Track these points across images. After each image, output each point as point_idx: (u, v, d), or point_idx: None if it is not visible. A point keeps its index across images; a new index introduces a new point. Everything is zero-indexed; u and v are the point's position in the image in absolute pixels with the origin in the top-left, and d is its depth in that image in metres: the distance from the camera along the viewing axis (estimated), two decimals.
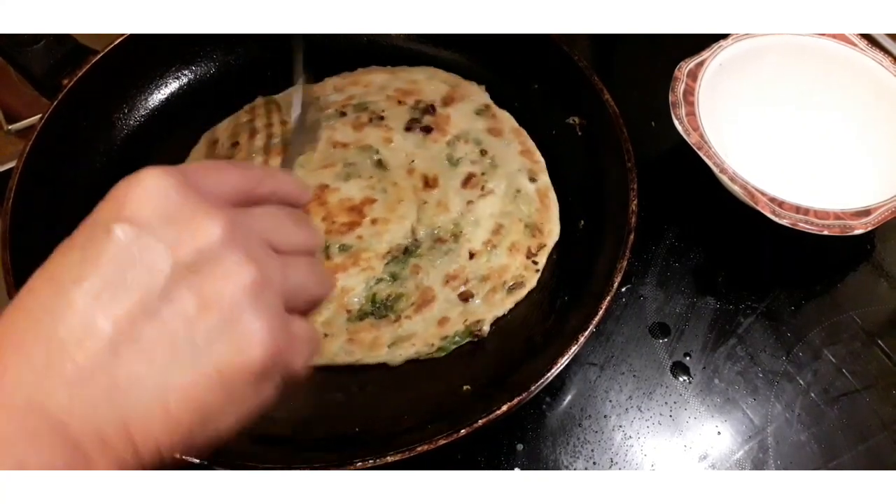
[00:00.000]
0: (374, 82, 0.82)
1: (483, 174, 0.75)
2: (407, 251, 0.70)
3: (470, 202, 0.73)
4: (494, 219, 0.72)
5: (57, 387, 0.30)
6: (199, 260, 0.32)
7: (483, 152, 0.77)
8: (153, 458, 0.32)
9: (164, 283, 0.32)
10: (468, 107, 0.80)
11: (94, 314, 0.31)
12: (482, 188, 0.74)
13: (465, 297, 0.68)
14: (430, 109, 0.79)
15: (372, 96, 0.81)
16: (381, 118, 0.79)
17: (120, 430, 0.31)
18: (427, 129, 0.78)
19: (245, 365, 0.33)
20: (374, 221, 0.71)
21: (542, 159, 0.77)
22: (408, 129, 0.78)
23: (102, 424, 0.31)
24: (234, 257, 0.33)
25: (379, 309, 0.67)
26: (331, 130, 0.78)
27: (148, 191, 0.33)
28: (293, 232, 0.38)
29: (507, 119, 0.80)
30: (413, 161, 0.76)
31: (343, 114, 0.79)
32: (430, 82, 0.82)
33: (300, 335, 0.36)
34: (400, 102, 0.80)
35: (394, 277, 0.69)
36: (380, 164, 0.76)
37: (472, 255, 0.70)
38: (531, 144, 0.78)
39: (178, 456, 0.33)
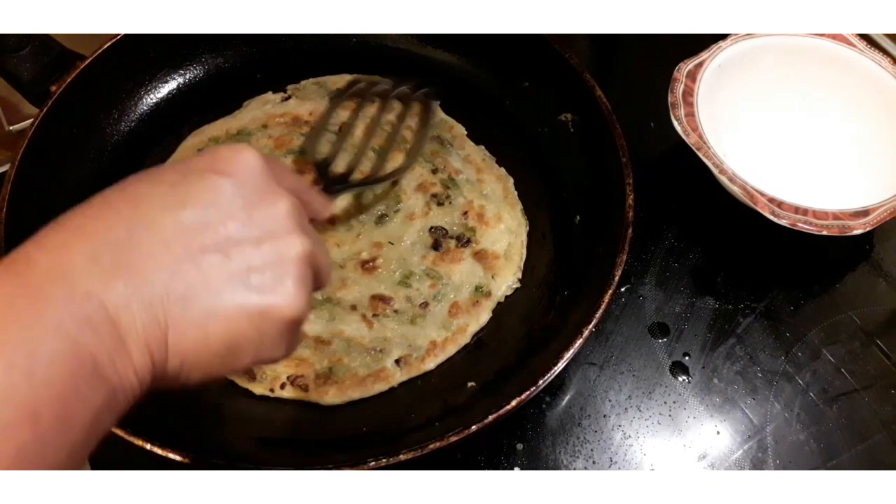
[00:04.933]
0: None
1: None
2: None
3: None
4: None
5: (118, 285, 0.34)
6: (269, 224, 0.39)
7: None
8: (173, 375, 0.37)
9: (238, 230, 0.38)
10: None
11: (173, 236, 0.36)
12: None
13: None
14: None
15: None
16: None
17: (159, 336, 0.35)
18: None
19: (279, 315, 0.39)
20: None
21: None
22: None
23: (148, 325, 0.35)
24: (296, 231, 0.40)
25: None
26: None
27: (244, 159, 0.40)
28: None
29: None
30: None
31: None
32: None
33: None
34: None
35: None
36: None
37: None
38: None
39: (191, 380, 0.38)
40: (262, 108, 0.81)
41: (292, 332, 0.41)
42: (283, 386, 0.64)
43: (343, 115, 0.78)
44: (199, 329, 0.36)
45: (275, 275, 0.39)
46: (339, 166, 0.72)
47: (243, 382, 0.64)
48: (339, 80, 0.83)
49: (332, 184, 0.69)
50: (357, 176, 0.71)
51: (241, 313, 0.37)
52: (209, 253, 0.37)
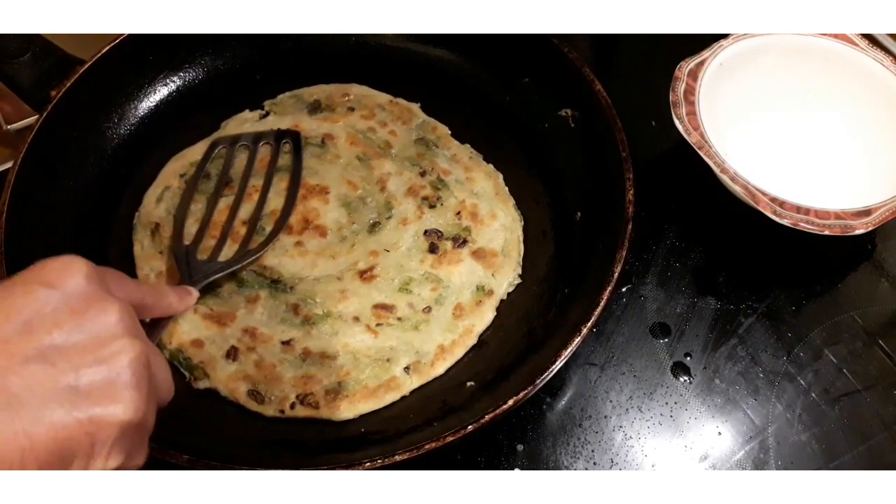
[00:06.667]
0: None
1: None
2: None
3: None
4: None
5: None
6: (98, 331, 0.38)
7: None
8: None
9: (64, 338, 0.37)
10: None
11: None
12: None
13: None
14: None
15: None
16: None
17: None
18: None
19: (113, 420, 0.37)
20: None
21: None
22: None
23: None
24: (126, 335, 0.39)
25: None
26: None
27: (71, 269, 0.39)
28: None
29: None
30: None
31: None
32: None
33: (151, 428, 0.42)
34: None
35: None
36: None
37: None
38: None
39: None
40: (241, 127, 0.80)
41: (135, 436, 0.39)
42: (292, 406, 0.63)
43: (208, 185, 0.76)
44: (23, 437, 0.34)
45: (105, 378, 0.37)
46: (208, 247, 0.70)
47: (253, 406, 0.63)
48: (317, 91, 0.83)
49: (197, 272, 0.67)
50: (228, 251, 0.70)
51: (68, 419, 0.36)
52: (32, 362, 0.36)
